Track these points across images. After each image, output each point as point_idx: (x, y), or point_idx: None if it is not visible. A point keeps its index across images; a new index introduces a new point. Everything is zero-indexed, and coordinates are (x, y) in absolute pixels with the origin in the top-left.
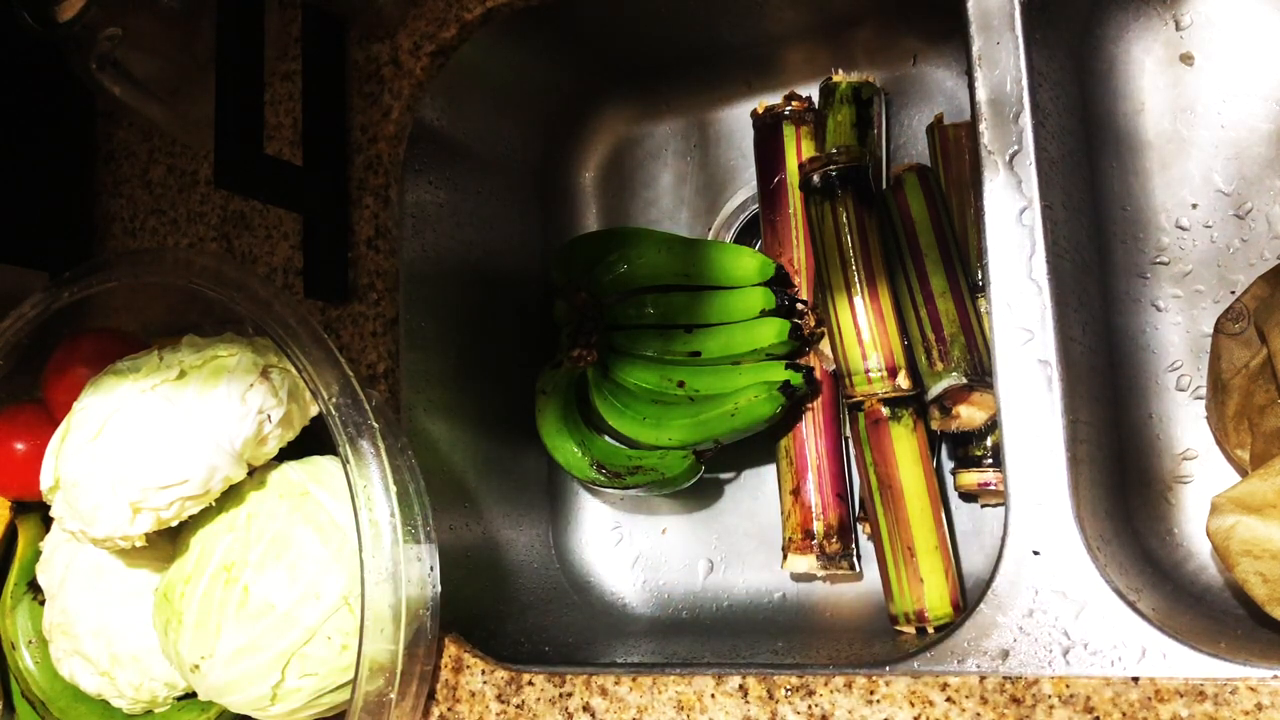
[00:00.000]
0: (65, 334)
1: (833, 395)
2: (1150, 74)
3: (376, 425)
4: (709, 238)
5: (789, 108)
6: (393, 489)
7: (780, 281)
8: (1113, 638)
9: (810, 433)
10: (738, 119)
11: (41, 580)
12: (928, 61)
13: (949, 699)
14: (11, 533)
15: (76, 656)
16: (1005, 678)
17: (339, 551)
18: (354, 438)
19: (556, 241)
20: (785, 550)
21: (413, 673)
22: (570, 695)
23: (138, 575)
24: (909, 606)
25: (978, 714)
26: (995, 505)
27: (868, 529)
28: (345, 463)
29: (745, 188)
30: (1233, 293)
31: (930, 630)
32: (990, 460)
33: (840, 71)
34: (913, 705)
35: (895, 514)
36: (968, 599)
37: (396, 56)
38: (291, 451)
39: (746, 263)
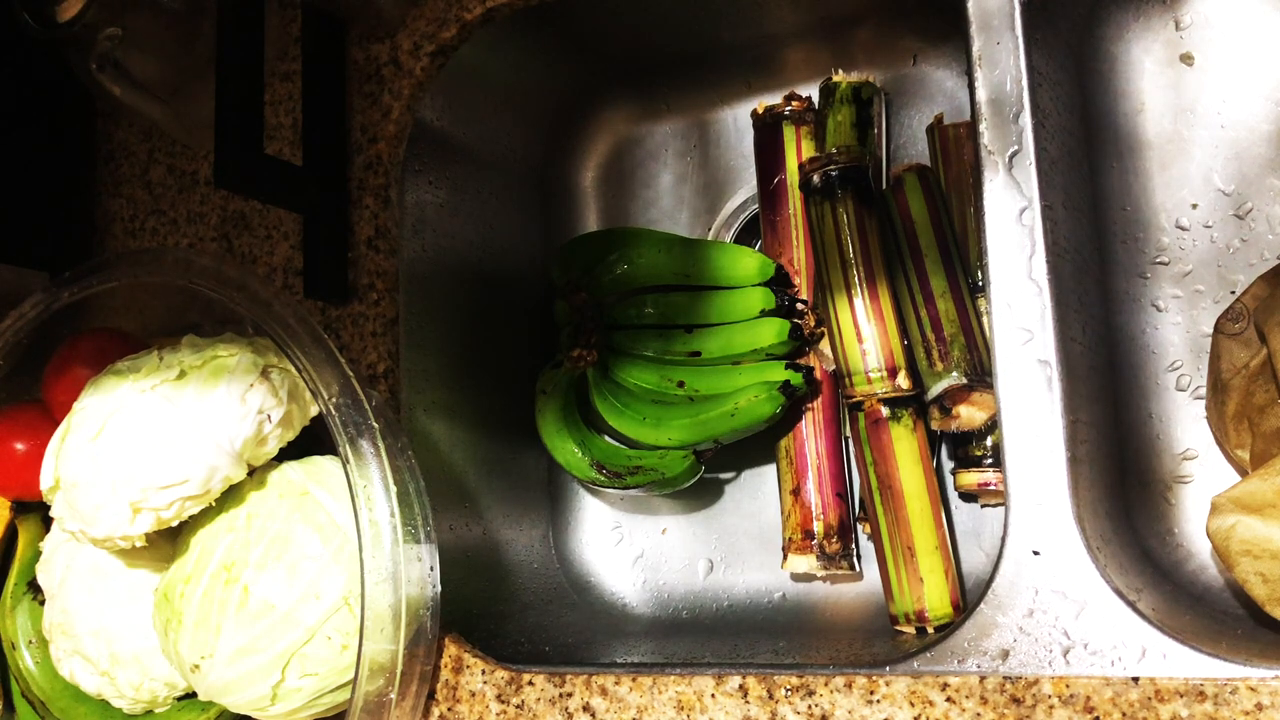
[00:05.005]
0: (65, 334)
1: (833, 395)
2: (1150, 74)
3: (376, 425)
4: (709, 238)
5: (789, 108)
6: (393, 489)
7: (780, 281)
8: (1113, 638)
9: (810, 433)
10: (738, 119)
11: (41, 580)
12: (928, 61)
13: (949, 699)
14: (11, 533)
15: (76, 656)
16: (1005, 678)
17: (339, 551)
18: (354, 438)
19: (556, 241)
20: (785, 550)
21: (413, 673)
22: (570, 695)
23: (138, 575)
24: (909, 606)
25: (978, 714)
26: (995, 505)
27: (868, 529)
28: (345, 463)
29: (745, 188)
30: (1233, 293)
31: (930, 630)
32: (990, 460)
33: (840, 71)
34: (913, 705)
35: (895, 514)
36: (968, 599)
37: (396, 56)
38: (291, 451)
39: (746, 263)
